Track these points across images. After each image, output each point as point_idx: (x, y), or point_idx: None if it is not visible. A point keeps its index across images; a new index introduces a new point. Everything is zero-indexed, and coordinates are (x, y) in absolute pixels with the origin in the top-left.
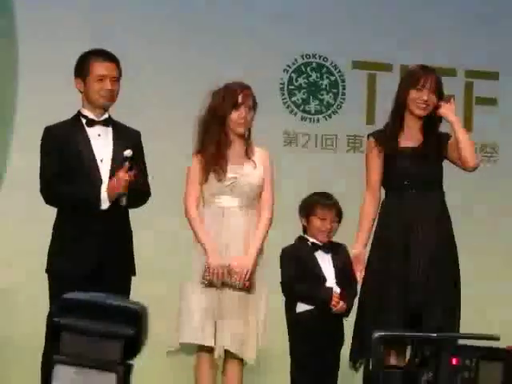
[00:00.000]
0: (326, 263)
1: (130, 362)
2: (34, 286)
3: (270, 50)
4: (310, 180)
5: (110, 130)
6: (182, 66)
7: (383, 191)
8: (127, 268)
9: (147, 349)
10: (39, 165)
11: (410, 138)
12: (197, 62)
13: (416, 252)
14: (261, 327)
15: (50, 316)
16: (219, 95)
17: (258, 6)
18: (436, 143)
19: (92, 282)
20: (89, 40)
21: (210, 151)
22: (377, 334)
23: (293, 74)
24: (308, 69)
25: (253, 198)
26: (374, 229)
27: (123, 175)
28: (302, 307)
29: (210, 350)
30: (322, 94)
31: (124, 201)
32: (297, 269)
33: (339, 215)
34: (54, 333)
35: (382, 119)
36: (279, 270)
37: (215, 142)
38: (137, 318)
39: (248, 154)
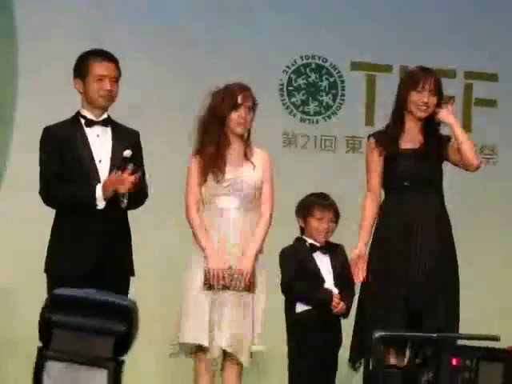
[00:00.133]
0: (324, 264)
1: (122, 358)
2: (34, 285)
3: (270, 50)
4: (309, 181)
5: (108, 130)
6: (182, 67)
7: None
8: (126, 268)
9: (147, 349)
10: (38, 165)
11: (411, 139)
12: (197, 63)
13: (416, 252)
14: (257, 328)
15: (41, 312)
16: (219, 96)
17: (258, 6)
18: (436, 144)
19: (91, 282)
20: (89, 40)
21: (209, 152)
22: (377, 334)
23: (292, 75)
24: (307, 70)
25: (252, 198)
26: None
27: (128, 177)
28: (301, 307)
29: (208, 350)
30: (322, 95)
31: (125, 202)
32: (296, 269)
33: (336, 215)
34: (45, 329)
35: (381, 120)
36: (279, 270)
37: (215, 142)
38: (128, 314)
39: (247, 154)
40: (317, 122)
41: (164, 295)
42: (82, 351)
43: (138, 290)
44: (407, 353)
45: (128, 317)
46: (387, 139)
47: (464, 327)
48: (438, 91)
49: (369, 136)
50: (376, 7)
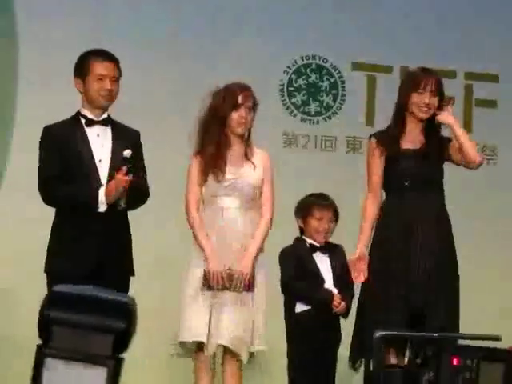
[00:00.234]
0: (324, 265)
1: (121, 356)
2: (33, 286)
3: (270, 51)
4: (309, 181)
5: (109, 129)
6: (182, 67)
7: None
8: (126, 268)
9: (147, 349)
10: (38, 164)
11: (412, 139)
12: (197, 63)
13: (416, 252)
14: (258, 329)
15: (40, 309)
16: (219, 96)
17: (258, 7)
18: (437, 145)
19: (91, 282)
20: (89, 40)
21: (209, 152)
22: (378, 334)
23: (293, 76)
24: (308, 70)
25: (252, 198)
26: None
27: (121, 178)
28: (301, 307)
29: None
30: (322, 96)
31: (122, 204)
32: (297, 269)
33: (336, 215)
34: (44, 326)
35: (381, 121)
36: (279, 270)
37: (215, 142)
38: (127, 312)
39: (248, 155)
40: (317, 122)
41: (164, 295)
42: (81, 348)
43: (138, 290)
44: (407, 353)
45: (127, 314)
46: (388, 139)
47: (464, 327)
48: (439, 92)
49: (370, 136)
50: (376, 8)
